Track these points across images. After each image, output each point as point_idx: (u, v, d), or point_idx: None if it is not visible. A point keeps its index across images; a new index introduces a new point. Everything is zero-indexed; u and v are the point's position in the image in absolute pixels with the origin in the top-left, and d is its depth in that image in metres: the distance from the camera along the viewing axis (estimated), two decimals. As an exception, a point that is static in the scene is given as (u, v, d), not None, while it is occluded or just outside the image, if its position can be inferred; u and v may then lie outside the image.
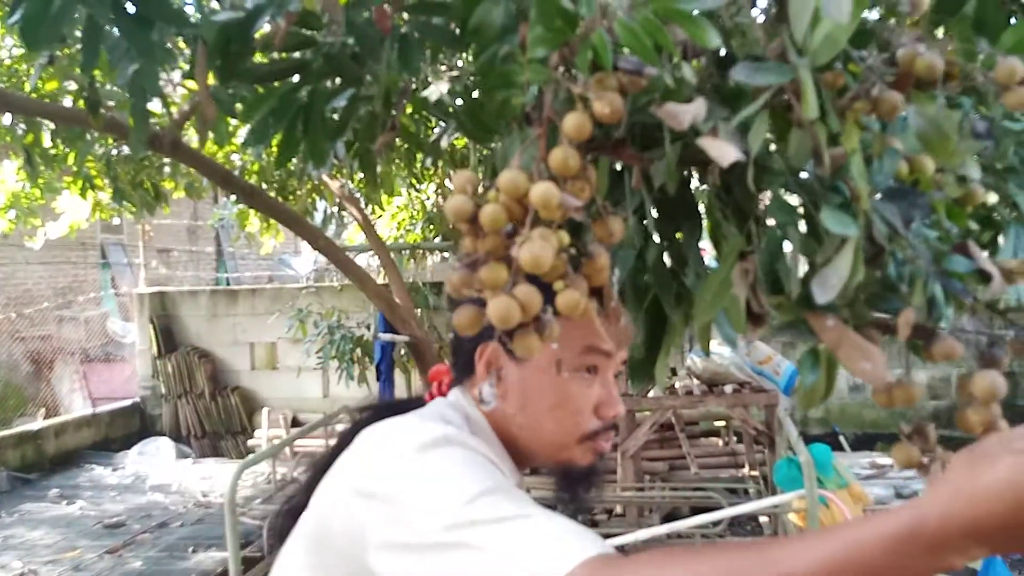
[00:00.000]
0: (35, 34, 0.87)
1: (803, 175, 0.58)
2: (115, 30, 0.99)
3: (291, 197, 5.17)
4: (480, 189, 0.52)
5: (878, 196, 0.56)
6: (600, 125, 0.51)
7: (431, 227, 6.69)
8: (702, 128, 0.48)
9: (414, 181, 5.27)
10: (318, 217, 5.61)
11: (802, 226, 0.58)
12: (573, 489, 0.86)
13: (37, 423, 6.88)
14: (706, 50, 0.56)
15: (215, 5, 1.17)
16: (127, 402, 7.60)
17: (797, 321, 0.55)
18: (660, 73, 0.48)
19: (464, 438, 0.74)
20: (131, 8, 0.96)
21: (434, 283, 6.30)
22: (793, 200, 0.59)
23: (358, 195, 5.28)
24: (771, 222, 0.59)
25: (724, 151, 0.45)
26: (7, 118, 3.38)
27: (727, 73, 0.57)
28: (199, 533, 4.82)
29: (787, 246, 0.59)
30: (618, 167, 0.65)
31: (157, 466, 6.52)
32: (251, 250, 10.60)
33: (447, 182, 6.29)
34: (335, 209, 5.71)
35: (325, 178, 4.70)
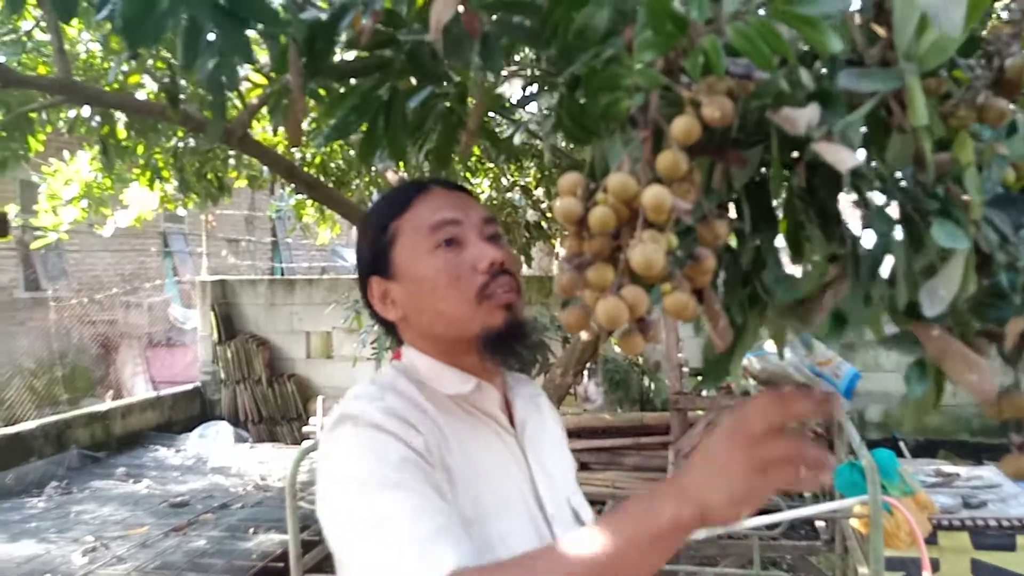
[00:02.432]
0: (139, 34, 0.90)
1: (901, 180, 0.56)
2: (208, 28, 1.03)
3: (348, 189, 5.24)
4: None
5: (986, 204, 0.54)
6: (705, 128, 0.52)
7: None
8: (813, 134, 0.48)
9: (468, 175, 5.30)
10: (375, 209, 5.67)
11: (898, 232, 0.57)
12: (508, 353, 0.87)
13: (105, 404, 7.17)
14: (809, 54, 0.55)
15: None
16: (189, 386, 7.84)
17: (902, 332, 0.55)
18: (773, 77, 0.47)
19: (370, 412, 0.79)
20: (223, 4, 0.99)
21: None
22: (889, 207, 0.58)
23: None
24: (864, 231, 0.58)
25: (842, 156, 0.45)
26: (85, 110, 3.51)
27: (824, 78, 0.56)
28: (259, 515, 4.96)
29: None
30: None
31: (217, 449, 6.73)
32: (306, 240, 10.82)
33: (502, 178, 6.30)
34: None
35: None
